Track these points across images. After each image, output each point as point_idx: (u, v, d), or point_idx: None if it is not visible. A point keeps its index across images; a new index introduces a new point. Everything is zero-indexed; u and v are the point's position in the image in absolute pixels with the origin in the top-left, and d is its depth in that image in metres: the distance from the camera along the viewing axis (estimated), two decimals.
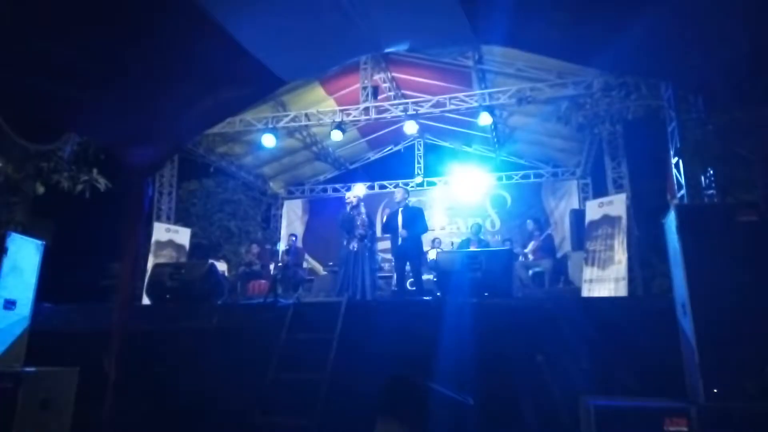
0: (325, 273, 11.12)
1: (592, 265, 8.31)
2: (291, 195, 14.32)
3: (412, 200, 12.31)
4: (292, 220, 14.04)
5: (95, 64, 2.83)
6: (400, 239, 6.82)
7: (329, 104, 10.61)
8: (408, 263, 7.08)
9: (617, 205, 8.37)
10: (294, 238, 10.88)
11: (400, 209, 7.01)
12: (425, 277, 8.32)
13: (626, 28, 2.49)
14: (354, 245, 6.84)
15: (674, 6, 2.29)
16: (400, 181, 13.55)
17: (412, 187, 13.03)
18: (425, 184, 13.40)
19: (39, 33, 2.57)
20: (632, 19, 2.44)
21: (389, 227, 7.14)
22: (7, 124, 5.53)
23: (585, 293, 8.15)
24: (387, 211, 12.54)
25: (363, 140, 13.23)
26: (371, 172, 13.98)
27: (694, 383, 2.97)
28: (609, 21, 2.53)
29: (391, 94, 10.69)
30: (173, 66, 2.99)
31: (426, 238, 10.67)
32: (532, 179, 12.79)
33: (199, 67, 3.04)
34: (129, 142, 3.38)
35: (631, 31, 2.47)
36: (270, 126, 10.07)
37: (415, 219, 6.99)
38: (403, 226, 6.84)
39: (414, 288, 7.34)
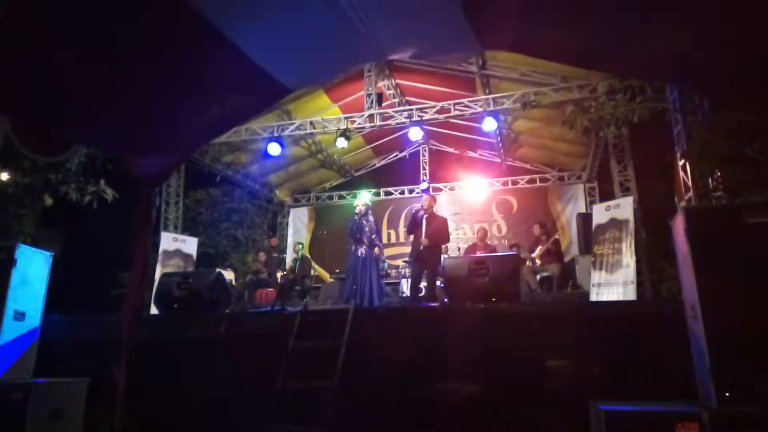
0: (332, 280, 11.11)
1: (600, 269, 8.27)
2: (297, 203, 14.35)
3: (417, 206, 12.34)
4: (298, 227, 14.07)
5: (102, 76, 2.86)
6: (421, 246, 6.82)
7: (334, 112, 10.66)
8: (425, 270, 7.07)
9: (624, 208, 8.33)
10: (300, 247, 10.87)
11: (425, 217, 6.99)
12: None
13: (632, 32, 2.49)
14: (362, 252, 6.84)
15: (680, 9, 2.29)
16: (405, 188, 13.57)
17: (417, 193, 13.05)
18: (431, 189, 13.40)
19: (47, 45, 2.60)
20: (638, 23, 2.44)
21: (411, 229, 7.14)
22: (15, 136, 5.58)
23: (593, 297, 8.11)
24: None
25: (368, 147, 13.26)
26: (377, 179, 14.00)
27: (705, 387, 2.94)
28: (614, 25, 2.53)
29: (396, 100, 10.72)
30: (180, 77, 3.01)
31: None
32: (538, 183, 12.77)
33: (205, 78, 3.06)
34: (136, 153, 3.41)
35: (636, 35, 2.47)
36: (275, 134, 10.11)
37: (439, 229, 6.99)
38: (426, 235, 6.84)
39: (425, 294, 7.32)
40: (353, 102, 10.53)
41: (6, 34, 2.47)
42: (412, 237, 7.21)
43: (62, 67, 2.74)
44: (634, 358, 3.88)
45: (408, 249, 7.92)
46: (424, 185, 13.27)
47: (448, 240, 7.39)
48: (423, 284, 7.19)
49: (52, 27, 2.50)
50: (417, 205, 7.34)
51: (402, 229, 12.86)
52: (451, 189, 13.33)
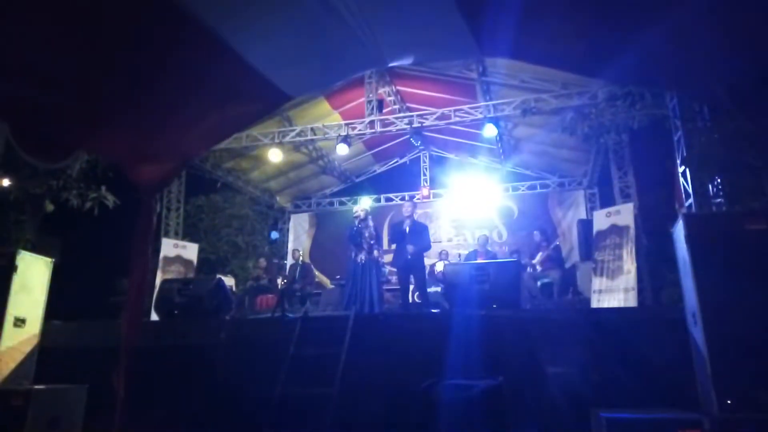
0: (333, 286, 11.10)
1: (601, 275, 8.26)
2: (297, 209, 14.35)
3: (419, 212, 12.37)
4: (298, 233, 14.06)
5: (103, 83, 2.87)
6: (408, 254, 6.80)
7: (335, 118, 10.68)
8: (412, 277, 7.07)
9: (625, 214, 8.33)
10: (299, 254, 10.86)
11: (408, 223, 7.00)
12: (431, 289, 8.31)
13: (632, 40, 2.50)
14: (362, 258, 6.83)
15: (680, 18, 2.30)
16: (406, 194, 13.56)
17: (418, 199, 13.04)
18: (431, 196, 13.41)
19: (48, 51, 2.61)
20: (638, 32, 2.45)
21: (396, 238, 7.13)
22: (17, 142, 5.59)
23: (594, 304, 8.09)
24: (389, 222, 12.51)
25: (368, 153, 13.28)
26: (377, 185, 14.01)
27: (706, 394, 2.93)
28: (615, 33, 2.54)
29: (396, 107, 10.75)
30: (180, 83, 3.02)
31: (433, 251, 10.67)
32: (538, 190, 12.77)
33: (205, 84, 3.07)
34: (137, 159, 3.41)
35: (636, 44, 2.48)
36: (276, 141, 10.13)
37: (422, 234, 6.99)
38: (410, 241, 6.82)
39: (420, 301, 7.31)
40: (354, 108, 10.56)
41: (6, 41, 2.48)
42: (393, 246, 7.18)
43: (63, 73, 2.75)
44: (636, 365, 3.87)
45: None
46: (424, 191, 13.28)
47: (429, 246, 7.32)
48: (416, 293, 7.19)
49: (52, 33, 2.52)
50: (401, 217, 7.30)
51: None
52: (452, 195, 13.32)
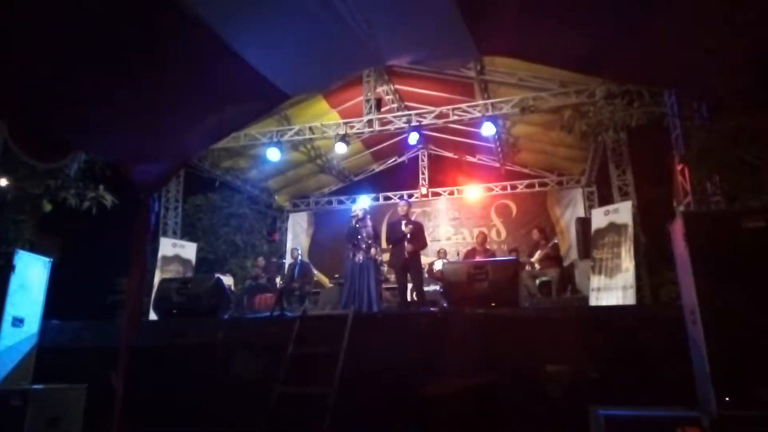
0: (331, 285, 11.10)
1: (600, 273, 8.27)
2: (296, 208, 14.34)
3: (417, 211, 12.38)
4: (297, 233, 14.05)
5: (102, 83, 2.86)
6: (406, 253, 6.81)
7: (333, 117, 10.66)
8: (410, 276, 7.07)
9: (623, 212, 8.34)
10: (298, 252, 10.84)
11: (404, 222, 7.01)
12: (430, 288, 8.31)
13: (630, 38, 2.50)
14: (359, 257, 6.83)
15: (678, 16, 2.30)
16: (405, 192, 13.56)
17: (416, 198, 13.04)
18: (430, 194, 13.40)
19: (48, 51, 2.60)
20: (636, 30, 2.45)
21: (393, 239, 7.14)
22: (14, 141, 5.57)
23: (593, 302, 8.10)
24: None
25: (367, 152, 13.27)
26: (376, 184, 14.00)
27: (705, 392, 2.94)
28: (613, 31, 2.54)
29: (394, 106, 10.73)
30: (179, 83, 3.02)
31: (432, 249, 10.69)
32: (536, 188, 12.77)
33: (204, 84, 3.07)
34: (135, 159, 3.41)
35: (635, 42, 2.48)
36: (275, 140, 10.12)
37: (418, 234, 6.99)
38: (410, 242, 6.83)
39: (417, 299, 7.32)
40: (352, 107, 10.54)
41: (7, 40, 2.47)
42: (390, 246, 7.18)
43: (62, 73, 2.74)
44: (634, 363, 3.87)
45: None
46: (422, 190, 13.27)
47: (426, 245, 7.34)
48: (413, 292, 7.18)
49: (53, 34, 2.51)
50: (398, 217, 7.30)
51: None
52: (450, 194, 13.33)
